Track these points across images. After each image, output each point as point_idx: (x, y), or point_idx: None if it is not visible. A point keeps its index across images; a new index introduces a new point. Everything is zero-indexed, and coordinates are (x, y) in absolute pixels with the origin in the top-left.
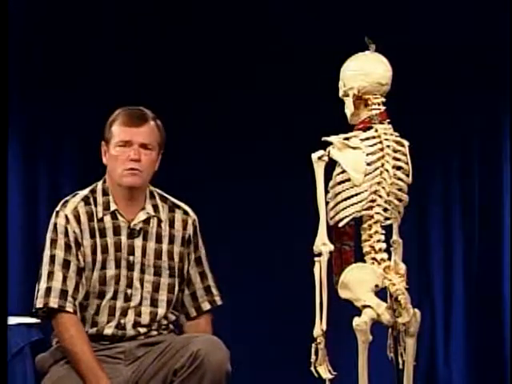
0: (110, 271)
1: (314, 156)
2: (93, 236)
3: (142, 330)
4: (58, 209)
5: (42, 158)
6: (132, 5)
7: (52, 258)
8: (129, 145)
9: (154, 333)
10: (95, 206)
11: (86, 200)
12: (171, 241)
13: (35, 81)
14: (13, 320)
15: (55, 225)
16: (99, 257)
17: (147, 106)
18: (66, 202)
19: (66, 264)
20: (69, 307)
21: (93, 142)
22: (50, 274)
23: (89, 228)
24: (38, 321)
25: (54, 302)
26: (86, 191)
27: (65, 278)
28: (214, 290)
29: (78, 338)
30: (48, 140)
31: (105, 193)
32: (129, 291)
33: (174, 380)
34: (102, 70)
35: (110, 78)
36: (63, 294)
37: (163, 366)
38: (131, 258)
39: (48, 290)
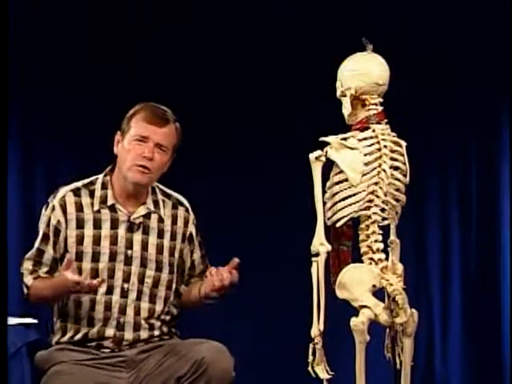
0: (102, 264)
1: (312, 156)
2: (80, 227)
3: (143, 333)
4: (48, 200)
5: (40, 160)
6: (132, 4)
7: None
8: (145, 141)
9: (156, 339)
10: (92, 197)
11: (75, 191)
12: (173, 237)
13: (35, 81)
14: (10, 320)
15: (43, 216)
16: (88, 248)
17: None
18: (57, 192)
19: (39, 253)
20: (28, 281)
21: (92, 143)
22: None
23: (76, 219)
24: (36, 321)
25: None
26: (79, 183)
27: (35, 263)
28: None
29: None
30: (47, 141)
31: (104, 186)
32: (125, 285)
33: None
34: (101, 70)
35: (110, 78)
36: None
37: (165, 370)
38: (129, 252)
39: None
